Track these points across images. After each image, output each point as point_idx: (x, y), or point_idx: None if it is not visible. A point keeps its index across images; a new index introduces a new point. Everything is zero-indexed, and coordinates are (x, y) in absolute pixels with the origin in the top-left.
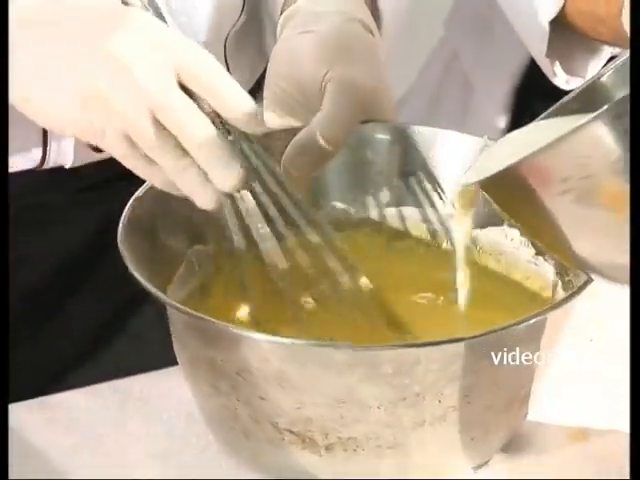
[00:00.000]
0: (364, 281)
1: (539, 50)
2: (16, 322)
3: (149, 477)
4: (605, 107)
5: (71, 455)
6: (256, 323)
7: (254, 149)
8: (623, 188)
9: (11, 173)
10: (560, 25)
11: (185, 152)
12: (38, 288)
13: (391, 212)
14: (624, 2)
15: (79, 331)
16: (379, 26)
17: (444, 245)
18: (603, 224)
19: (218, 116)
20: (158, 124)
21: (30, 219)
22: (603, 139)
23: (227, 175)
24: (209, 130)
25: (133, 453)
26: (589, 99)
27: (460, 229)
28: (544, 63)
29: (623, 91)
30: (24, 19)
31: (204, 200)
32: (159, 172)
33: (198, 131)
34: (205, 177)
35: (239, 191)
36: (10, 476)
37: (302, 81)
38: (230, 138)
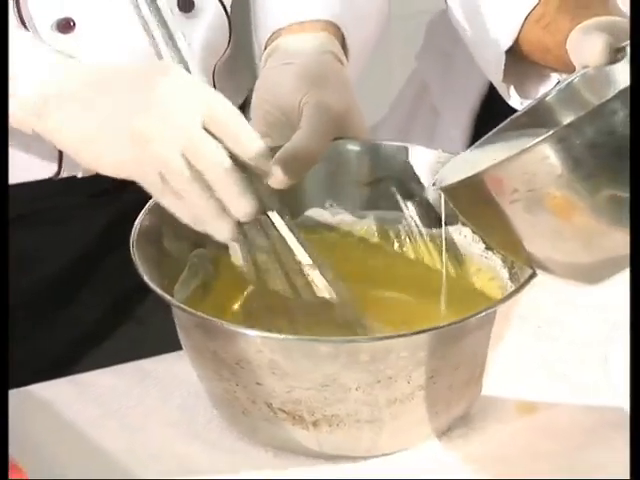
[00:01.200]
0: (336, 277)
1: (496, 77)
2: (34, 310)
3: (164, 443)
4: (550, 132)
5: (98, 425)
6: (248, 314)
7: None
8: (565, 198)
9: (32, 180)
10: (514, 54)
11: (208, 188)
12: (54, 279)
13: (360, 216)
14: (567, 34)
15: (90, 316)
16: (347, 58)
17: (408, 244)
18: (547, 228)
19: (234, 156)
20: (187, 163)
21: (47, 219)
22: (547, 159)
23: (243, 204)
24: (228, 167)
25: (150, 422)
26: (536, 115)
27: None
28: (501, 88)
29: (564, 109)
30: (73, 86)
31: (221, 230)
32: (186, 207)
33: (219, 168)
34: (223, 210)
35: (250, 220)
36: (38, 449)
37: (283, 104)
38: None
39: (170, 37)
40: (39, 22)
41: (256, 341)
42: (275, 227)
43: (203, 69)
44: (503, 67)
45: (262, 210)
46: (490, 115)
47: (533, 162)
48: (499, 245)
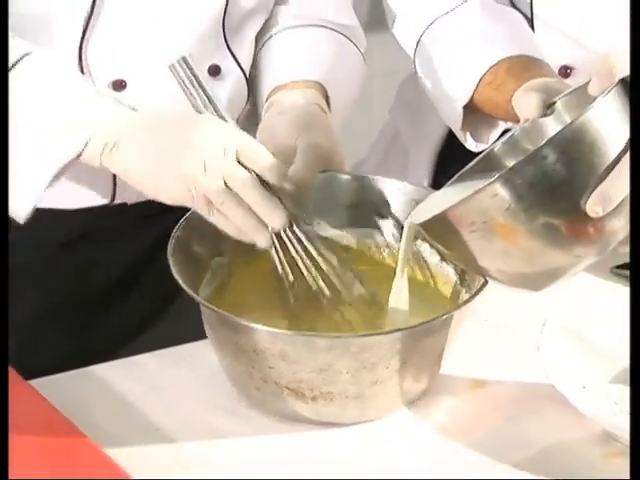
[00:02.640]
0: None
1: (456, 126)
2: (94, 308)
3: (194, 412)
4: (497, 175)
5: (141, 400)
6: (253, 310)
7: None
8: (511, 225)
9: (91, 206)
10: (469, 108)
11: (245, 207)
12: (111, 284)
13: (343, 232)
14: (513, 94)
15: (138, 312)
16: (330, 109)
17: (384, 254)
18: (497, 249)
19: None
20: (226, 189)
21: (103, 238)
22: (496, 196)
23: (276, 217)
24: (260, 190)
25: (183, 396)
26: (487, 162)
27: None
28: (459, 134)
29: (508, 157)
30: (134, 131)
31: (261, 239)
32: (230, 223)
33: (253, 190)
34: (260, 223)
35: (284, 229)
36: (96, 418)
37: (280, 145)
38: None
39: (206, 94)
40: (97, 81)
41: (270, 335)
42: (298, 237)
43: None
44: (461, 119)
45: (290, 223)
46: (450, 155)
47: (485, 199)
48: (462, 262)
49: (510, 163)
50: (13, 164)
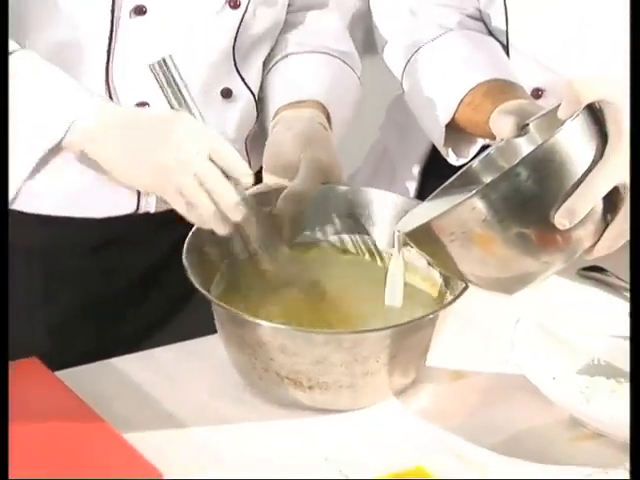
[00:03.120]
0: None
1: (439, 142)
2: (117, 305)
3: (204, 399)
4: (475, 191)
5: (156, 389)
6: (254, 306)
7: (247, 196)
8: (487, 235)
9: (118, 215)
10: (451, 127)
11: (212, 201)
12: (132, 283)
13: (340, 237)
14: (490, 114)
15: (156, 309)
16: (331, 127)
17: (379, 258)
18: (475, 256)
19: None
20: (198, 184)
21: (127, 242)
22: (474, 209)
23: (237, 211)
24: (226, 185)
25: (195, 385)
26: (466, 178)
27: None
28: (442, 150)
29: (486, 175)
30: (114, 122)
31: (222, 229)
32: (197, 213)
33: (220, 185)
34: (223, 215)
35: (241, 221)
36: (115, 405)
37: (285, 158)
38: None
39: (182, 94)
40: (123, 102)
41: (272, 330)
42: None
43: (238, 138)
44: (443, 136)
45: (248, 215)
46: (434, 169)
47: (465, 212)
48: (443, 267)
49: (486, 179)
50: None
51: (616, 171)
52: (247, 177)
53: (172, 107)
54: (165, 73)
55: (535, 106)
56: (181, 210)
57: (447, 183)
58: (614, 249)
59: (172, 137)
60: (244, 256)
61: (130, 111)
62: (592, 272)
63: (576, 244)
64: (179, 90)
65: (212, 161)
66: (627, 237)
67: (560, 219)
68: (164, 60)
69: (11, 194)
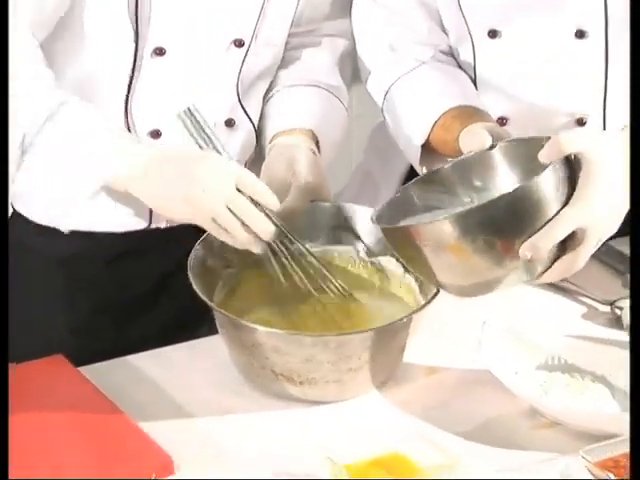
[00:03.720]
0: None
1: (415, 162)
2: (133, 310)
3: (209, 392)
4: (453, 213)
5: (167, 383)
6: (252, 311)
7: (275, 218)
8: (457, 247)
9: (132, 230)
10: (426, 147)
11: (243, 224)
12: (142, 291)
13: (327, 248)
14: (459, 133)
15: (166, 313)
16: (320, 151)
17: (361, 267)
18: (445, 263)
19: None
20: (229, 211)
21: (140, 253)
22: (449, 228)
23: (267, 230)
24: (254, 211)
25: (201, 380)
26: (437, 175)
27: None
28: (418, 169)
29: (455, 175)
30: (152, 165)
31: (256, 249)
32: (231, 236)
33: (249, 211)
34: (255, 236)
35: (273, 241)
36: (130, 397)
37: (279, 179)
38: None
39: (207, 136)
40: (139, 131)
41: (266, 333)
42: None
43: (240, 161)
44: (419, 156)
45: (277, 236)
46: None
47: (439, 228)
48: (418, 272)
49: (454, 181)
50: (54, 189)
51: (577, 218)
52: (273, 202)
53: (200, 147)
54: (191, 119)
55: (500, 129)
56: (218, 235)
57: (420, 177)
58: (561, 278)
59: (202, 173)
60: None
61: (165, 154)
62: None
63: (531, 268)
64: (205, 132)
65: (239, 191)
66: (577, 269)
67: (524, 250)
68: (189, 109)
69: (70, 224)
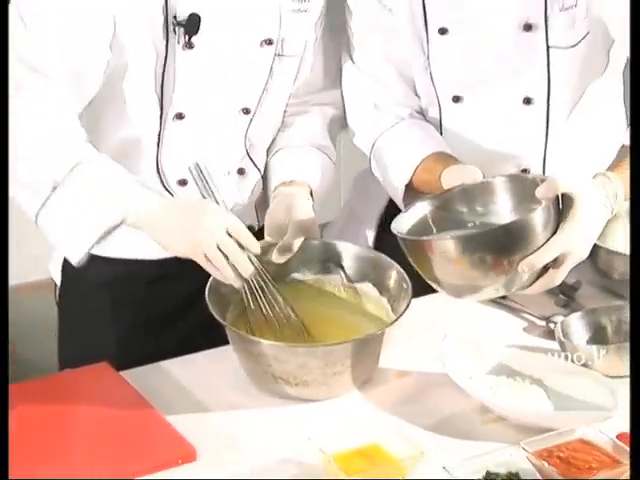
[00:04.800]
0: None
1: (399, 199)
2: (161, 325)
3: (225, 392)
4: (460, 233)
5: (190, 383)
6: (259, 327)
7: (255, 260)
8: (458, 259)
9: (165, 257)
10: (408, 186)
11: (229, 262)
12: (172, 310)
13: (317, 276)
14: (440, 173)
15: (190, 327)
16: (313, 199)
17: (344, 290)
18: (447, 269)
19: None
20: (219, 251)
21: (171, 277)
22: (453, 246)
23: (247, 269)
24: (239, 253)
25: (217, 383)
26: (443, 198)
27: None
28: (400, 204)
29: (459, 199)
30: (160, 210)
31: (236, 284)
32: (219, 271)
33: (235, 252)
34: (237, 272)
35: (252, 278)
36: (161, 395)
37: (278, 222)
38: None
39: (209, 188)
40: (169, 180)
41: (268, 346)
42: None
43: (250, 202)
44: (402, 195)
45: (255, 274)
46: (387, 223)
47: (446, 245)
48: (421, 270)
49: (457, 204)
50: (70, 224)
51: (564, 245)
52: (254, 247)
53: (203, 196)
54: (198, 173)
55: (475, 170)
56: (209, 270)
57: (431, 195)
58: (543, 290)
59: (200, 218)
60: (250, 296)
61: (172, 201)
62: (503, 299)
63: (516, 281)
64: (207, 185)
65: (230, 235)
66: (556, 284)
67: (523, 266)
68: (197, 164)
69: (79, 257)
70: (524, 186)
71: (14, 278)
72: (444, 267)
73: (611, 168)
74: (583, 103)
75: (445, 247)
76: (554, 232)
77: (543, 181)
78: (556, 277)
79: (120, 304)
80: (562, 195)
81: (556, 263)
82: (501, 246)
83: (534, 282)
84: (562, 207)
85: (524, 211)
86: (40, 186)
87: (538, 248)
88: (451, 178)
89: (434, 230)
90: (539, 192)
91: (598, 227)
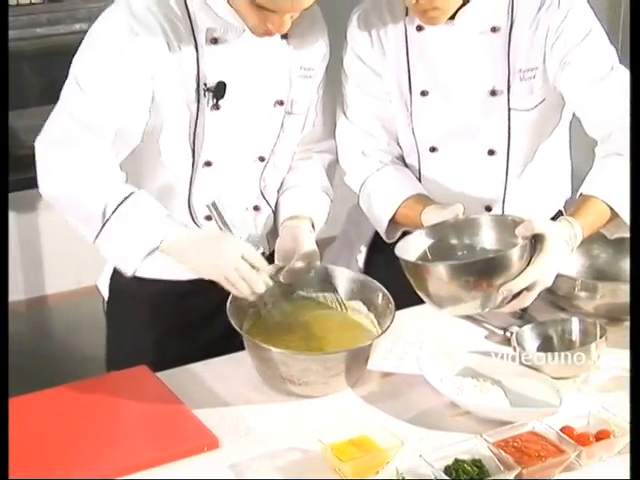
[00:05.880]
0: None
1: (383, 232)
2: (189, 332)
3: (243, 390)
4: (450, 263)
5: (213, 382)
6: (270, 335)
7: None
8: (449, 281)
9: (193, 279)
10: (391, 222)
11: (247, 284)
12: (199, 320)
13: (318, 294)
14: (421, 211)
15: (212, 334)
16: (314, 229)
17: (338, 306)
18: (439, 287)
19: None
20: (238, 275)
21: (198, 292)
22: (445, 272)
23: (260, 287)
24: (253, 274)
25: (235, 381)
26: (440, 228)
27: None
28: (383, 235)
29: (452, 231)
30: (186, 241)
31: (251, 297)
32: (237, 289)
33: (250, 274)
34: (252, 290)
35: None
36: (190, 393)
37: (286, 250)
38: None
39: (225, 223)
40: (198, 216)
41: (276, 353)
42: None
43: (264, 233)
44: (385, 228)
45: (267, 291)
46: (374, 248)
47: (438, 270)
48: (416, 285)
49: (448, 234)
50: (121, 248)
51: (535, 275)
52: (265, 268)
53: (220, 228)
54: (215, 209)
55: (453, 208)
56: (228, 288)
57: (428, 227)
58: (514, 309)
59: (220, 247)
60: (263, 309)
61: (197, 232)
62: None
63: (491, 300)
64: (223, 220)
65: (244, 260)
66: (525, 305)
67: (504, 290)
68: (213, 203)
69: (129, 274)
70: (505, 224)
71: (72, 284)
72: (436, 285)
73: (572, 214)
74: (537, 156)
75: (439, 272)
76: (527, 263)
77: (521, 221)
78: (526, 299)
79: (156, 316)
80: (535, 234)
81: (527, 289)
82: (485, 273)
83: (508, 302)
84: (535, 243)
85: (504, 244)
86: (93, 218)
87: (515, 277)
88: (430, 216)
89: (429, 256)
90: (519, 231)
91: (562, 261)
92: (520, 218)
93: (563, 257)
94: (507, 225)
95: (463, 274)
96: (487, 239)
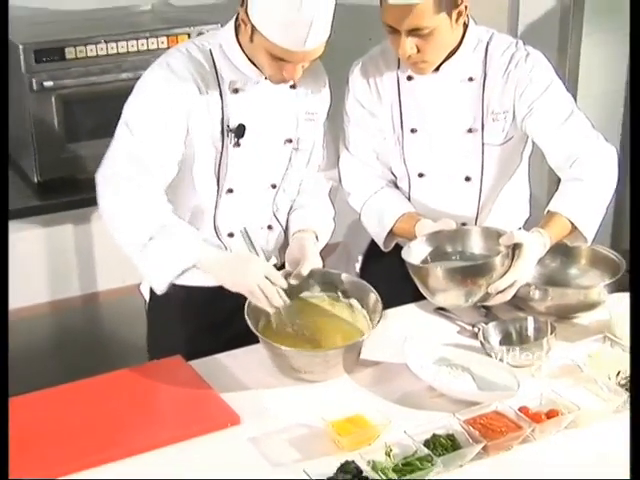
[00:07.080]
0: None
1: (381, 242)
2: (216, 328)
3: (263, 376)
4: (446, 267)
5: (237, 369)
6: (279, 334)
7: (286, 298)
8: (446, 281)
9: (212, 286)
10: (388, 235)
11: (268, 299)
12: (221, 319)
13: (322, 294)
14: (415, 224)
15: (231, 332)
16: (318, 241)
17: (337, 305)
18: (434, 283)
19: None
20: (260, 290)
21: (222, 295)
22: (443, 273)
23: (278, 301)
24: (273, 289)
25: (254, 369)
26: (436, 237)
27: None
28: (381, 245)
29: (449, 240)
30: (218, 261)
31: (272, 310)
32: (259, 300)
33: (271, 289)
34: (271, 303)
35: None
36: (218, 379)
37: (295, 259)
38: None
39: (253, 246)
40: (222, 233)
41: (286, 351)
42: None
43: (275, 247)
44: (384, 240)
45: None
46: (369, 256)
47: (436, 271)
48: (418, 283)
49: (446, 243)
50: (158, 266)
51: (515, 276)
52: (283, 284)
53: (250, 251)
54: (246, 235)
55: (445, 221)
56: (253, 301)
57: (428, 234)
58: (498, 303)
59: (247, 268)
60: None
61: (228, 255)
62: (439, 310)
63: (477, 293)
64: (252, 243)
65: (267, 278)
66: (506, 300)
67: (492, 289)
68: (245, 229)
69: (162, 290)
70: (490, 234)
71: (118, 282)
72: (434, 283)
73: (542, 226)
74: (504, 182)
75: (437, 273)
76: (509, 267)
77: (504, 232)
78: (508, 294)
79: (188, 316)
80: (515, 243)
81: (510, 286)
82: (474, 274)
83: (494, 297)
84: (514, 250)
85: (489, 250)
86: (139, 238)
87: (498, 277)
88: (422, 228)
89: (429, 260)
90: (502, 240)
91: (534, 264)
92: (503, 230)
93: (535, 261)
94: (492, 235)
95: (457, 275)
96: (476, 246)
